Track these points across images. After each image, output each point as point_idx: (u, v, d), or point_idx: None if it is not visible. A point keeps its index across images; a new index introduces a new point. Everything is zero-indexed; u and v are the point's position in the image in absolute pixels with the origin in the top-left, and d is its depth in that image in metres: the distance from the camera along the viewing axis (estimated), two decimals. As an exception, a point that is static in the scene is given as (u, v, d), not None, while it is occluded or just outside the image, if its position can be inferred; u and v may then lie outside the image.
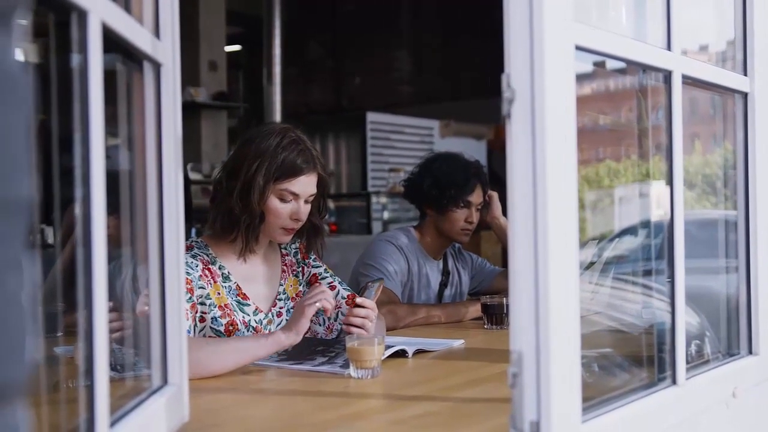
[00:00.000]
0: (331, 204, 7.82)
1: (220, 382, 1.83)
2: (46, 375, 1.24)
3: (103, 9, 1.03)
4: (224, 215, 2.15)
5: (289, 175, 2.13)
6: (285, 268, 2.34)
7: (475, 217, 2.99)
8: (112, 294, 1.07)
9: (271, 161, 2.11)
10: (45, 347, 1.32)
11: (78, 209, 1.00)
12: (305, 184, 2.16)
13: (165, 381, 1.36)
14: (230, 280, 2.18)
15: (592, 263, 2.28)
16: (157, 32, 1.33)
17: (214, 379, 1.85)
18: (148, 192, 1.34)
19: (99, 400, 1.00)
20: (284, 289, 2.31)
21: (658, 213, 1.90)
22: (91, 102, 1.00)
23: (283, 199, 2.15)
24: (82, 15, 0.98)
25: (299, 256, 2.37)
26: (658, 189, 1.85)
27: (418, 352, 2.15)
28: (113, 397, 1.06)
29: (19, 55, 0.59)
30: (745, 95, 1.79)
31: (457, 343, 2.32)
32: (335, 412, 1.58)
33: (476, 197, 2.98)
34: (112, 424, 1.08)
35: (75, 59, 1.00)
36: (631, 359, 1.72)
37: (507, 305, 2.62)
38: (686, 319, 1.54)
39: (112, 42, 1.10)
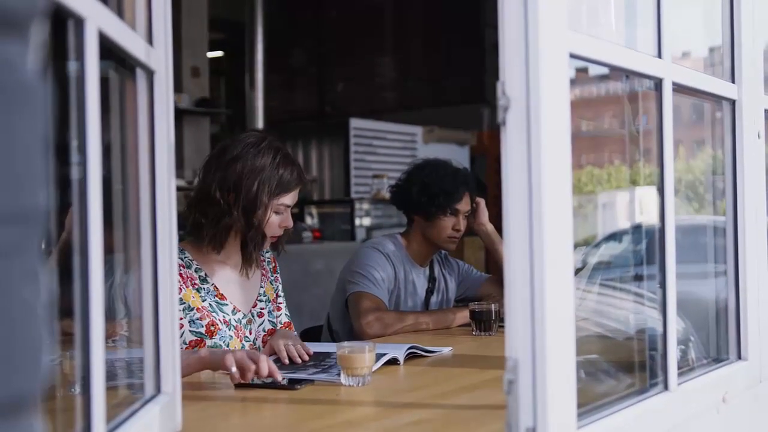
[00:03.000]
0: (314, 210, 7.81)
1: (212, 392, 1.82)
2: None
3: (100, 16, 1.02)
4: (224, 231, 2.21)
5: (287, 191, 2.25)
6: (264, 272, 2.42)
7: (463, 224, 2.99)
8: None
9: (271, 179, 2.21)
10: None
11: (74, 217, 0.99)
12: (296, 196, 2.29)
13: (158, 390, 1.35)
14: (208, 282, 2.24)
15: (578, 269, 2.30)
16: (150, 39, 1.33)
17: (207, 388, 1.84)
18: (140, 199, 1.33)
19: (95, 410, 1.00)
20: (264, 291, 2.39)
21: (642, 219, 1.91)
22: (88, 108, 0.99)
23: (277, 212, 2.25)
24: (79, 22, 0.98)
25: (271, 267, 2.47)
26: (642, 195, 1.86)
27: (411, 355, 2.15)
28: (106, 406, 1.05)
29: (35, 65, 0.59)
30: (732, 102, 1.81)
31: (446, 350, 2.32)
32: (328, 420, 1.58)
33: (464, 205, 2.98)
34: (108, 433, 1.07)
35: (71, 66, 1.00)
36: (620, 365, 1.72)
37: (495, 312, 2.63)
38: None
39: (106, 49, 1.09)
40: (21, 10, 0.56)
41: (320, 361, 2.09)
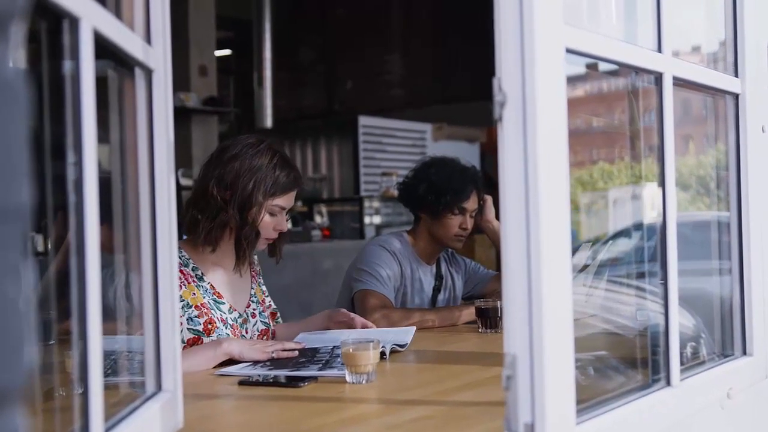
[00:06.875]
0: (323, 209, 7.82)
1: (214, 389, 1.83)
2: (38, 383, 1.23)
3: (95, 15, 1.03)
4: (219, 228, 2.24)
5: (282, 192, 2.28)
6: (254, 274, 2.47)
7: (470, 223, 2.98)
8: (105, 302, 1.07)
9: (267, 179, 2.24)
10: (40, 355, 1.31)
11: (71, 217, 1.00)
12: (292, 199, 2.33)
13: (159, 387, 1.35)
14: (204, 281, 2.28)
15: (586, 266, 2.29)
16: (148, 38, 1.33)
17: (209, 385, 1.85)
18: (140, 199, 1.34)
19: (93, 407, 1.00)
20: (254, 293, 2.43)
21: (651, 215, 1.90)
22: (84, 108, 1.00)
23: (272, 214, 2.28)
24: (74, 22, 0.98)
25: (258, 270, 2.51)
26: (651, 191, 1.85)
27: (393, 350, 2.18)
28: (106, 404, 1.05)
29: (16, 63, 0.59)
30: (736, 96, 1.80)
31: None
32: (331, 417, 1.58)
33: (471, 204, 2.97)
34: (107, 430, 1.08)
35: (66, 65, 1.00)
36: (626, 361, 1.72)
37: (501, 308, 2.62)
38: (681, 321, 1.55)
39: (103, 48, 1.10)
40: (1, 10, 0.57)
41: (312, 357, 2.09)
